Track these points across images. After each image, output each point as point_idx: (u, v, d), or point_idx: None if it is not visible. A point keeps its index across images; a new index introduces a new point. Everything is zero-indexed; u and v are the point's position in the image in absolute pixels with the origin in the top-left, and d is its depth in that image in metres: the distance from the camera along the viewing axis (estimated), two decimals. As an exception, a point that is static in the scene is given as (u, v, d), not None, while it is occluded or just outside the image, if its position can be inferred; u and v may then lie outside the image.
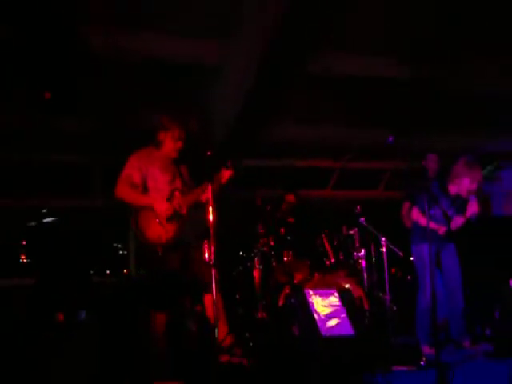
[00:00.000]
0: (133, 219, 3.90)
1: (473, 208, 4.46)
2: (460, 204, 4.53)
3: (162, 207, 3.89)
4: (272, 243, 5.44)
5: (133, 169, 3.97)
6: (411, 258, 6.15)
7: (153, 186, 3.98)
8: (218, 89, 5.58)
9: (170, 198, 3.94)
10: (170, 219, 3.89)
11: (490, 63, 5.49)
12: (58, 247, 3.88)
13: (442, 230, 4.42)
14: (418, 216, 4.52)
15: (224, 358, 3.66)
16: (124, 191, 3.93)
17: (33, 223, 3.73)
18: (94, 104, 5.54)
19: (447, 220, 4.42)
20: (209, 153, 3.61)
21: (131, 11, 4.42)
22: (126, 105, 5.33)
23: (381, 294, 5.69)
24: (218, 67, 5.27)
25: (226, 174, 3.93)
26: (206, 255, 4.97)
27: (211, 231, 3.69)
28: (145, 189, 3.97)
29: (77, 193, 6.39)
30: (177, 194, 3.99)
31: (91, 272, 5.08)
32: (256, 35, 4.70)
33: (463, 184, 4.44)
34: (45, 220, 3.66)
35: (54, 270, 3.98)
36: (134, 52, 4.80)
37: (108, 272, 5.92)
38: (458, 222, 4.49)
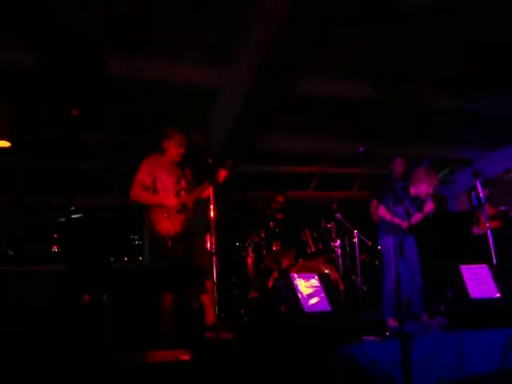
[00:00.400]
0: (146, 216, 3.90)
1: (429, 206, 4.51)
2: (419, 203, 4.57)
3: (172, 202, 3.90)
4: (263, 235, 5.45)
5: (144, 174, 3.98)
6: (378, 247, 6.18)
7: (161, 188, 3.98)
8: (217, 108, 5.58)
9: (176, 196, 3.95)
10: (178, 212, 3.90)
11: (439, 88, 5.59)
12: (84, 239, 3.87)
13: (404, 224, 4.45)
14: (384, 213, 4.55)
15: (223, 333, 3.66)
16: (137, 193, 3.94)
17: (62, 219, 3.71)
18: (112, 119, 5.53)
19: (409, 216, 4.45)
20: (210, 160, 3.62)
21: (143, 40, 4.42)
22: (139, 120, 5.32)
23: (353, 277, 5.72)
24: (217, 90, 5.28)
25: (223, 174, 3.94)
26: (208, 246, 4.97)
27: (212, 225, 3.69)
28: (154, 190, 3.97)
29: (98, 193, 6.39)
30: (182, 193, 4.00)
31: (111, 259, 5.07)
32: (248, 64, 4.71)
33: (422, 188, 4.48)
34: (73, 216, 3.65)
35: (80, 258, 3.96)
36: (146, 75, 4.79)
37: (126, 259, 5.88)
38: (416, 217, 4.53)
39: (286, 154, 7.07)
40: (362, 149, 3.87)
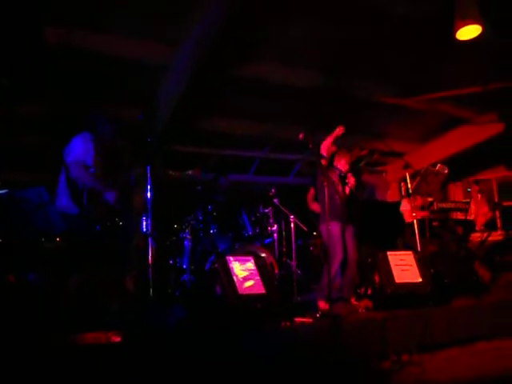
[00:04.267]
0: (80, 195, 3.69)
1: (351, 180, 4.74)
2: (344, 180, 4.80)
3: (112, 196, 3.73)
4: (201, 218, 5.42)
5: (87, 152, 3.75)
6: (314, 233, 6.33)
7: (97, 167, 3.78)
8: (162, 86, 5.44)
9: (110, 181, 3.78)
10: (117, 205, 3.76)
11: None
12: (11, 216, 3.63)
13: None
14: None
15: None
16: (79, 172, 3.68)
17: (-14, 194, 3.46)
18: (49, 93, 5.24)
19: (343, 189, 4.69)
20: (149, 139, 3.50)
21: (89, 13, 4.20)
22: (77, 94, 5.08)
23: (288, 261, 5.83)
24: (162, 68, 5.14)
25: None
26: (144, 227, 4.86)
27: (149, 206, 3.60)
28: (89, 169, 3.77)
29: (32, 168, 6.07)
30: (116, 176, 3.84)
31: (42, 239, 4.81)
32: (194, 46, 4.62)
33: (340, 163, 4.77)
34: (-2, 191, 3.41)
35: (6, 236, 3.73)
36: (87, 47, 4.56)
37: (58, 239, 5.60)
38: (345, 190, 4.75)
39: (228, 137, 7.05)
40: (301, 135, 3.93)
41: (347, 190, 4.79)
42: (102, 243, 3.64)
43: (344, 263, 4.63)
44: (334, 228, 4.51)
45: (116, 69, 4.92)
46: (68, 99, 5.38)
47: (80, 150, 3.73)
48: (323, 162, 4.54)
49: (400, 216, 6.16)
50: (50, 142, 5.93)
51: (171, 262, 5.56)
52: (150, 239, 3.59)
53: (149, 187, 3.47)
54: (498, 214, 7.76)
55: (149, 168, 3.40)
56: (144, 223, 4.82)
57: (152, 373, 2.67)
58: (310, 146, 3.99)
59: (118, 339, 2.88)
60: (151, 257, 3.54)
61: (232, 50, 4.87)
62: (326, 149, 4.61)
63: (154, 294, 3.64)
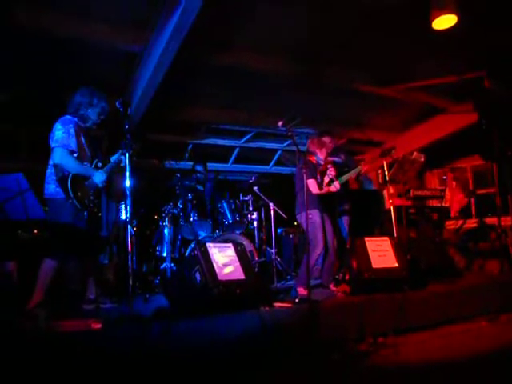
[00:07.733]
0: (66, 183, 3.62)
1: (331, 172, 4.77)
2: (322, 171, 4.85)
3: (100, 179, 3.74)
4: (181, 206, 5.42)
5: (72, 137, 3.68)
6: (295, 222, 6.39)
7: (82, 155, 3.77)
8: (138, 73, 5.38)
9: (95, 167, 3.77)
10: (104, 188, 3.74)
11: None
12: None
13: (337, 186, 4.71)
14: (313, 186, 4.69)
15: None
16: (67, 158, 3.62)
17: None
18: (20, 77, 5.14)
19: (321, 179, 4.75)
20: (127, 126, 3.47)
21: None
22: (54, 78, 4.99)
23: (268, 249, 5.90)
24: (138, 54, 5.09)
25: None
26: (123, 215, 4.85)
27: (128, 194, 3.59)
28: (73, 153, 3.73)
29: (5, 156, 5.96)
30: (99, 164, 3.83)
31: (19, 231, 4.75)
32: (170, 34, 4.57)
33: (321, 155, 4.84)
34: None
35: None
36: (60, 31, 4.47)
37: (35, 231, 5.54)
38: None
39: (207, 125, 7.03)
40: (281, 123, 3.98)
41: (326, 179, 4.85)
42: (86, 230, 3.63)
43: (324, 250, 4.70)
44: (315, 216, 4.57)
45: (90, 54, 4.85)
46: (39, 87, 5.28)
47: (62, 134, 3.64)
48: (310, 157, 4.60)
49: (379, 203, 6.26)
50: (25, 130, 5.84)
51: (151, 250, 5.56)
52: (129, 227, 3.59)
53: (128, 175, 3.45)
54: (472, 201, 7.96)
55: (128, 156, 3.37)
56: (123, 211, 4.82)
57: (133, 360, 2.69)
58: (289, 133, 4.03)
59: (98, 326, 2.89)
60: (131, 245, 3.54)
61: (208, 39, 4.84)
62: (316, 146, 4.65)
63: (133, 282, 3.65)
